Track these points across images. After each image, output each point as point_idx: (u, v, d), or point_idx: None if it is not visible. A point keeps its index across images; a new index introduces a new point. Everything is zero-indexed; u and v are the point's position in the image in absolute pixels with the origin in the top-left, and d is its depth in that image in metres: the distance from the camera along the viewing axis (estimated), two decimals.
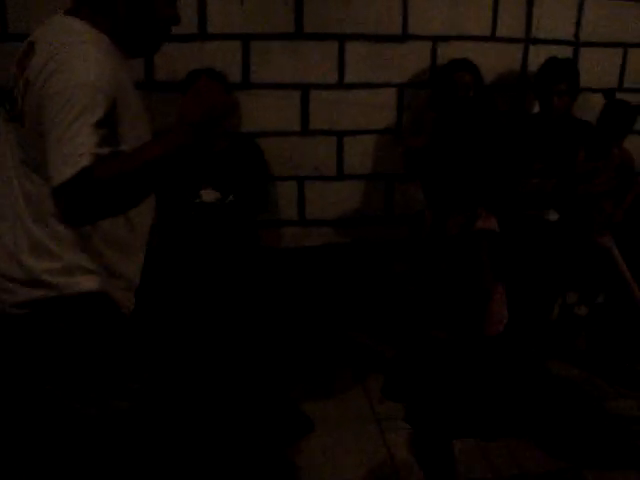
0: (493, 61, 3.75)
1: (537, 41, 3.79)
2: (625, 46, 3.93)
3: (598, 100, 3.61)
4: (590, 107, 3.73)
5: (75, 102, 1.58)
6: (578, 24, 3.82)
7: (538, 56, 3.76)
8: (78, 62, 1.63)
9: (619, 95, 3.66)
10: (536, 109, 3.75)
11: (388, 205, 3.89)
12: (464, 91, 3.45)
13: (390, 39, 3.66)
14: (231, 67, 3.53)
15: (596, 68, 3.87)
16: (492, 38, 3.74)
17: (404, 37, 3.67)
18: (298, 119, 3.71)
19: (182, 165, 1.68)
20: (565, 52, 3.80)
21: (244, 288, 3.35)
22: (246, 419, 3.17)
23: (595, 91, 3.76)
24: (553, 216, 3.64)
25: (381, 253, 3.82)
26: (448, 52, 3.68)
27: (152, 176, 1.65)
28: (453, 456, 2.48)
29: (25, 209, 1.75)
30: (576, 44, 3.85)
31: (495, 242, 2.34)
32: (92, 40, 1.71)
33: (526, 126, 3.65)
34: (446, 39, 3.70)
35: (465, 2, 3.65)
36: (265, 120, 3.66)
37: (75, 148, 1.55)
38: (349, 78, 3.69)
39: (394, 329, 3.50)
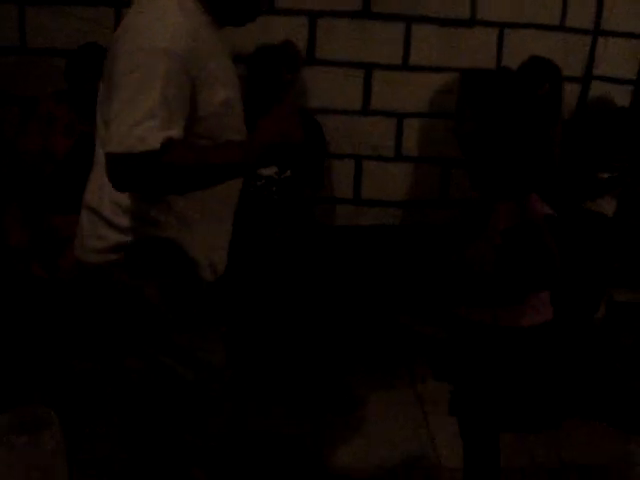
0: (560, 51, 3.71)
1: (606, 33, 3.73)
2: None
3: None
4: None
5: (144, 69, 1.57)
6: None
7: (606, 48, 3.72)
8: (154, 23, 1.63)
9: None
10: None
11: (444, 189, 3.89)
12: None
13: (457, 23, 3.64)
14: (297, 43, 3.55)
15: None
16: (560, 27, 3.69)
17: (472, 22, 3.65)
18: (360, 98, 3.72)
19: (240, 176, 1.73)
20: (633, 45, 3.74)
21: (298, 262, 3.39)
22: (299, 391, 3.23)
23: None
24: (607, 207, 3.60)
25: (434, 236, 3.82)
26: (515, 39, 3.65)
27: (209, 178, 1.68)
28: (497, 445, 2.47)
29: None
30: None
31: (556, 228, 2.32)
32: (177, 5, 1.67)
33: (611, 120, 3.60)
34: (514, 26, 3.66)
35: None
36: (327, 97, 3.69)
37: (142, 125, 1.55)
38: (414, 60, 3.69)
39: (442, 312, 3.51)
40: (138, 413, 1.69)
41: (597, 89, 3.79)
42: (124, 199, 1.73)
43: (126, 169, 1.56)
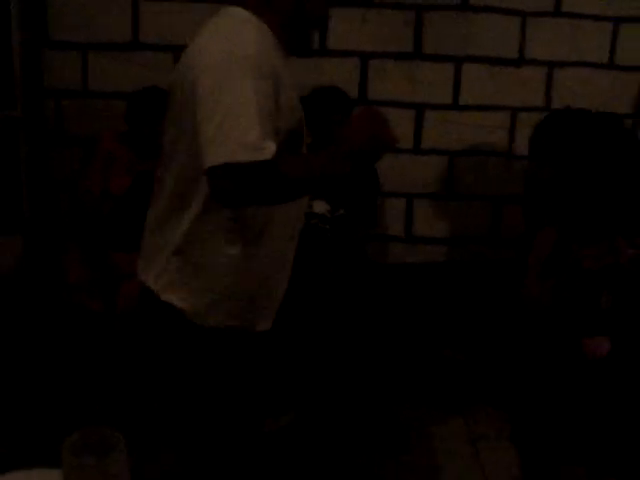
0: (610, 89, 3.73)
1: None
2: None
3: None
4: None
5: (236, 77, 1.56)
6: None
7: None
8: (238, 37, 1.63)
9: None
10: None
11: (495, 226, 3.90)
12: None
13: (506, 62, 3.69)
14: (349, 84, 3.63)
15: None
16: (610, 65, 3.71)
17: (520, 61, 3.70)
18: (411, 137, 3.78)
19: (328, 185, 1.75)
20: None
21: (352, 300, 3.43)
22: (348, 428, 3.25)
23: None
24: None
25: (486, 273, 3.83)
26: (564, 77, 3.68)
27: (307, 189, 1.73)
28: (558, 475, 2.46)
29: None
30: None
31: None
32: (253, 23, 1.69)
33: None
34: (562, 65, 3.70)
35: (584, 27, 3.65)
36: None
37: (249, 135, 1.53)
38: (464, 99, 3.74)
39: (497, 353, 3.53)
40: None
41: None
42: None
43: (241, 179, 1.55)
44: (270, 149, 1.53)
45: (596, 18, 3.65)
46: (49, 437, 1.69)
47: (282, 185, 1.61)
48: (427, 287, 3.87)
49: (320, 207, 3.45)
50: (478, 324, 3.80)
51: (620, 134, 2.39)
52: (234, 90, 1.55)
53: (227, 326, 1.81)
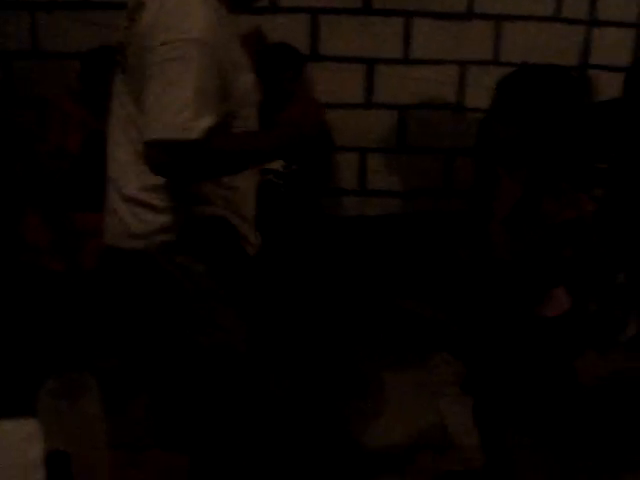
0: (556, 42, 3.81)
1: (600, 23, 3.82)
2: None
3: None
4: None
5: (180, 57, 1.64)
6: None
7: (601, 39, 3.82)
8: (184, 16, 1.69)
9: None
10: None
11: (447, 178, 4.00)
12: None
13: (455, 17, 3.75)
14: (300, 40, 3.67)
15: None
16: (555, 19, 3.79)
17: (469, 15, 3.76)
18: (363, 92, 3.84)
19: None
20: (626, 35, 3.84)
21: (308, 254, 3.50)
22: (309, 375, 3.34)
23: None
24: None
25: (438, 224, 3.92)
26: (512, 31, 3.76)
27: (242, 165, 1.81)
28: (507, 424, 2.56)
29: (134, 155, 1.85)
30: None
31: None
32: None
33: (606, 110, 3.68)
34: (511, 19, 3.77)
35: None
36: (331, 92, 3.79)
37: (183, 113, 1.61)
38: (414, 54, 3.80)
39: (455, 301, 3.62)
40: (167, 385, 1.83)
41: (593, 78, 3.88)
42: (166, 182, 1.82)
43: (171, 156, 1.64)
44: (199, 128, 1.63)
45: None
46: (19, 391, 1.74)
47: (215, 162, 1.73)
48: (381, 239, 3.96)
49: (274, 163, 3.50)
50: (432, 275, 3.90)
51: (573, 86, 2.45)
52: (176, 69, 1.64)
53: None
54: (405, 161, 3.96)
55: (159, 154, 1.66)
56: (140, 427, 1.66)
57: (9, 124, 3.62)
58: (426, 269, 3.89)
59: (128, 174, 1.88)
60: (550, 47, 3.74)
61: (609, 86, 3.73)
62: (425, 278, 3.89)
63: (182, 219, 1.85)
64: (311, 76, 3.75)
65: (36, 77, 3.60)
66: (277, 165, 3.49)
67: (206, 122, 1.64)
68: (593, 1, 3.79)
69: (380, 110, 3.89)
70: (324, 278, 3.62)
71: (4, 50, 3.57)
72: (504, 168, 2.35)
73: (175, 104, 1.63)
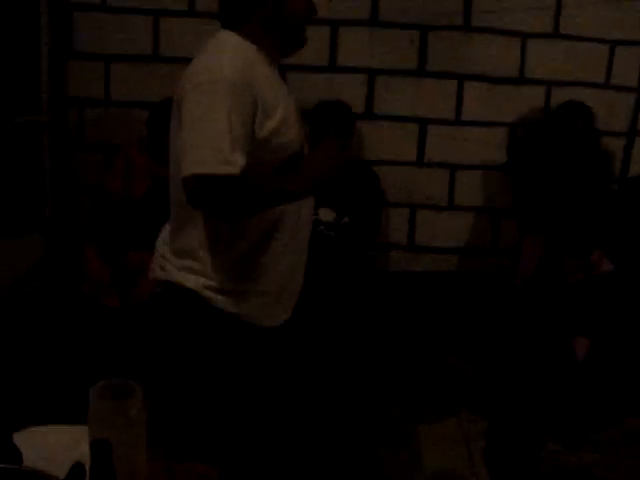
0: (605, 109, 3.90)
1: None
2: None
3: None
4: None
5: (208, 99, 1.77)
6: None
7: None
8: (212, 58, 1.87)
9: None
10: None
11: (494, 237, 4.07)
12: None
13: (507, 81, 3.88)
14: (356, 98, 3.83)
15: None
16: (605, 85, 3.89)
17: (520, 80, 3.88)
18: (414, 150, 3.97)
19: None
20: None
21: (356, 305, 3.59)
22: (350, 428, 3.41)
23: None
24: None
25: (484, 282, 3.98)
26: (561, 96, 3.86)
27: (269, 204, 1.91)
28: (540, 463, 2.59)
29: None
30: None
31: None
32: (233, 44, 1.92)
33: None
34: (560, 84, 3.88)
35: (581, 49, 3.83)
36: (384, 149, 3.94)
37: (221, 149, 1.73)
38: (465, 115, 3.93)
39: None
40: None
41: None
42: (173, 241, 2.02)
43: (208, 189, 1.76)
44: (238, 163, 1.75)
45: (593, 40, 3.83)
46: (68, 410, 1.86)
47: (249, 198, 1.84)
48: (428, 294, 4.03)
49: (326, 215, 3.62)
50: (477, 331, 3.95)
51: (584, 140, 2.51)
52: (209, 109, 1.77)
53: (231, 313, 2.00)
54: (454, 219, 4.05)
55: (199, 188, 1.77)
56: (174, 441, 1.77)
57: (78, 166, 3.83)
58: (471, 327, 3.94)
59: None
60: (599, 113, 3.82)
61: None
62: (470, 337, 3.95)
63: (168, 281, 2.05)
64: (366, 133, 3.90)
65: (105, 124, 3.82)
66: (329, 217, 3.61)
67: (242, 157, 1.77)
68: None
69: (431, 168, 4.00)
70: (371, 331, 3.70)
71: (78, 97, 3.79)
72: (526, 229, 2.40)
73: (213, 139, 1.74)
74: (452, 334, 3.99)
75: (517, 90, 3.90)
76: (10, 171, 3.60)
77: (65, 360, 3.22)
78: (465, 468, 3.22)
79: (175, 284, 2.02)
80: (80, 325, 3.37)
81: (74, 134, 3.84)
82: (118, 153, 3.57)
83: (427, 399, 3.70)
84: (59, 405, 2.64)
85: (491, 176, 4.00)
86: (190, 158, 1.76)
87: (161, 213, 3.42)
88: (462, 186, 4.03)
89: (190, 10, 3.75)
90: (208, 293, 1.98)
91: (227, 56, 1.87)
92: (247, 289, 2.02)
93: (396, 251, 4.10)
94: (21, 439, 1.45)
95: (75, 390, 2.73)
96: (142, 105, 3.67)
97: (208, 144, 1.75)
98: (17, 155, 3.63)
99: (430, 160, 4.00)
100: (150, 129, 3.52)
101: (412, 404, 3.65)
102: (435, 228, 4.07)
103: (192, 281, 1.99)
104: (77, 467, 1.19)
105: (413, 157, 3.99)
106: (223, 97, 1.77)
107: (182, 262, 2.01)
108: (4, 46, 3.52)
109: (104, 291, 3.41)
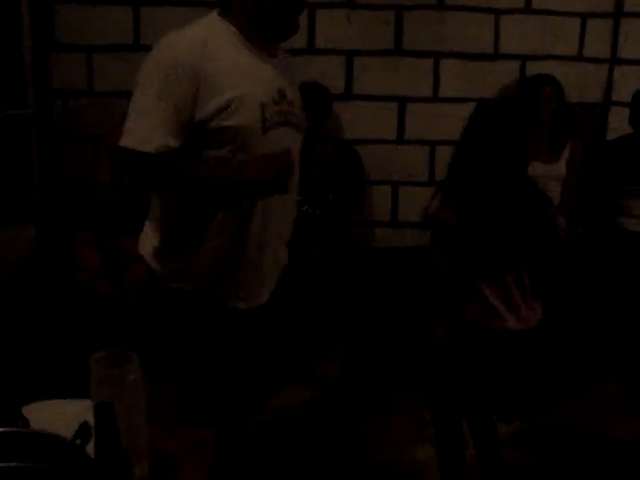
0: (579, 80, 4.00)
1: (622, 61, 4.01)
2: None
3: None
4: None
5: (146, 77, 1.90)
6: None
7: (623, 77, 4.00)
8: (170, 37, 1.96)
9: None
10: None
11: None
12: (547, 104, 3.73)
13: (482, 57, 3.97)
14: (335, 79, 3.92)
15: None
16: (578, 58, 3.98)
17: (495, 55, 3.97)
18: (394, 129, 4.05)
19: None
20: None
21: (341, 281, 3.68)
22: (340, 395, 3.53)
23: None
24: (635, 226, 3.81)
25: None
26: (536, 69, 3.96)
27: (195, 189, 1.99)
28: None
29: None
30: None
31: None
32: (202, 24, 2.01)
33: (619, 148, 3.84)
34: (535, 58, 3.97)
35: (553, 23, 3.92)
36: (364, 129, 4.03)
37: (143, 127, 1.87)
38: (443, 92, 4.02)
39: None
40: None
41: (616, 114, 4.04)
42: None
43: (127, 162, 1.94)
44: (155, 144, 1.86)
45: (564, 14, 3.92)
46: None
47: (169, 178, 1.95)
48: (411, 269, 4.12)
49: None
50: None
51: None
52: (145, 85, 1.90)
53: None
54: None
55: (121, 159, 1.96)
56: (173, 409, 1.86)
57: (66, 156, 3.90)
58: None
59: None
60: (574, 85, 3.92)
61: None
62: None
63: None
64: (346, 113, 3.99)
65: (90, 114, 3.88)
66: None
67: (164, 138, 1.88)
68: (615, 40, 3.96)
69: (411, 145, 4.09)
70: (356, 306, 3.79)
71: (61, 89, 3.86)
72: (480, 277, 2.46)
73: (138, 120, 1.89)
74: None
75: (492, 65, 4.00)
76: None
77: (60, 345, 3.29)
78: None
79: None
80: (75, 311, 3.44)
81: (60, 125, 3.90)
82: (104, 141, 3.63)
83: (412, 370, 3.81)
84: (59, 385, 2.72)
85: None
86: (123, 132, 1.93)
87: (148, 199, 3.51)
88: (442, 162, 4.11)
89: None
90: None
91: (183, 36, 1.96)
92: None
93: (380, 228, 4.19)
94: (28, 412, 1.54)
95: (72, 372, 2.83)
96: (125, 94, 3.71)
97: (135, 119, 1.91)
98: (5, 148, 3.69)
99: (410, 137, 4.08)
100: None
101: (398, 375, 3.75)
102: (417, 204, 4.15)
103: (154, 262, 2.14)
104: (84, 426, 1.28)
105: (393, 135, 4.07)
106: (158, 77, 1.89)
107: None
108: None
109: (97, 278, 3.49)
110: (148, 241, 2.14)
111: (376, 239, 4.19)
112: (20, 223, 3.68)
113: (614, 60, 4.01)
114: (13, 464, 1.23)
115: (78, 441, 1.26)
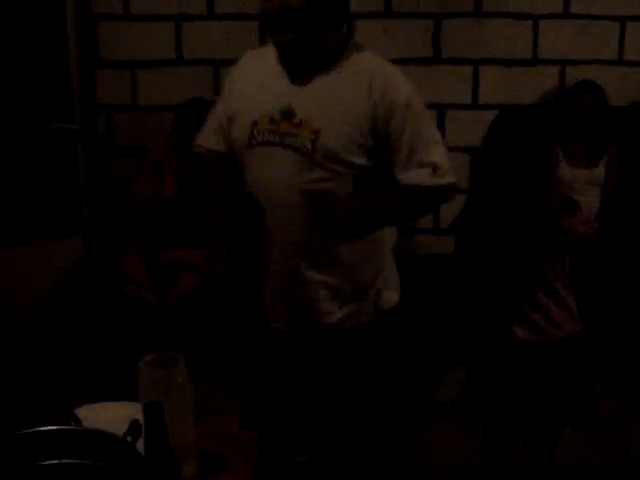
0: (619, 84, 3.97)
1: None
2: None
3: None
4: None
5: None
6: None
7: None
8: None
9: None
10: None
11: None
12: (587, 110, 3.71)
13: (521, 63, 3.97)
14: None
15: None
16: (618, 62, 3.97)
17: (534, 61, 3.97)
18: None
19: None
20: None
21: None
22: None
23: None
24: None
25: None
26: (576, 74, 3.94)
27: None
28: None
29: None
30: None
31: None
32: (257, 50, 2.23)
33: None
34: (574, 63, 3.97)
35: (593, 27, 3.91)
36: None
37: (204, 128, 2.23)
38: (482, 99, 4.03)
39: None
40: None
41: None
42: None
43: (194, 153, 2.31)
44: (199, 139, 2.24)
45: (603, 18, 3.91)
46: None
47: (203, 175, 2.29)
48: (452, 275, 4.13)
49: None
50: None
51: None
52: None
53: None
54: None
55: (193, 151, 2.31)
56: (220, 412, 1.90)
57: (110, 169, 3.99)
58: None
59: None
60: (614, 89, 3.90)
61: None
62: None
63: None
64: None
65: (134, 128, 3.97)
66: None
67: (208, 138, 2.21)
68: None
69: (452, 152, 4.08)
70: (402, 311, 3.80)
71: (106, 104, 3.95)
72: None
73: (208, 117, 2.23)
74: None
75: (531, 71, 3.99)
76: (47, 176, 3.76)
77: (110, 352, 3.37)
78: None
79: None
80: (121, 321, 3.52)
81: (104, 139, 3.99)
82: (147, 154, 3.71)
83: (454, 376, 3.81)
84: (110, 390, 2.79)
85: None
86: None
87: (192, 211, 3.59)
88: None
89: (210, 13, 3.88)
90: None
91: (247, 53, 2.20)
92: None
93: (423, 235, 4.20)
94: (80, 413, 1.59)
95: (122, 377, 2.90)
96: (168, 108, 3.81)
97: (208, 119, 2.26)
98: (53, 161, 3.79)
99: (450, 144, 4.08)
100: (177, 130, 3.66)
101: (439, 381, 3.76)
102: (458, 211, 4.15)
103: None
104: (134, 424, 1.32)
105: None
106: (223, 86, 2.22)
107: None
108: (36, 58, 3.68)
109: (142, 288, 3.55)
110: None
111: (420, 246, 4.19)
112: (68, 235, 3.76)
113: None
114: (67, 461, 1.27)
115: (129, 438, 1.30)
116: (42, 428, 1.32)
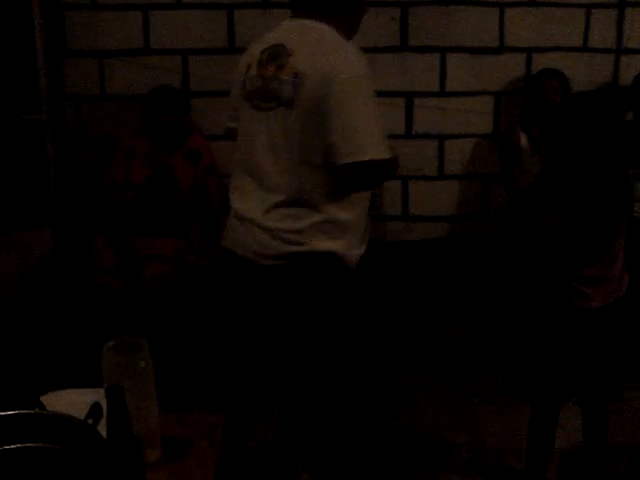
0: (585, 71, 4.02)
1: (628, 51, 4.03)
2: None
3: None
4: None
5: (360, 91, 2.29)
6: None
7: (629, 66, 4.02)
8: (348, 56, 2.32)
9: None
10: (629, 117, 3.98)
11: (485, 204, 4.21)
12: (553, 96, 3.76)
13: (487, 51, 4.01)
14: None
15: None
16: (584, 49, 4.01)
17: (501, 49, 4.01)
18: (403, 123, 4.10)
19: None
20: None
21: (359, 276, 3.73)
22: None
23: None
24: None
25: (476, 247, 4.12)
26: (542, 62, 3.99)
27: None
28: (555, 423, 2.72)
29: None
30: None
31: None
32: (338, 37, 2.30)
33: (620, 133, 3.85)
34: (540, 50, 4.01)
35: (558, 15, 3.96)
36: None
37: (382, 139, 2.27)
38: (450, 86, 4.06)
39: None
40: None
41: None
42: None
43: (373, 171, 2.26)
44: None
45: (568, 5, 3.95)
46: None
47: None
48: (423, 262, 4.17)
49: None
50: (471, 295, 4.10)
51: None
52: (362, 101, 2.31)
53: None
54: (444, 188, 4.18)
55: (364, 172, 2.12)
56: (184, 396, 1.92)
57: (79, 159, 3.98)
58: (463, 289, 4.09)
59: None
60: (579, 76, 3.94)
61: None
62: (462, 298, 4.10)
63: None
64: None
65: (102, 118, 3.96)
66: None
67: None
68: (619, 30, 3.99)
69: (420, 140, 4.13)
70: (370, 299, 3.84)
71: (74, 94, 3.94)
72: None
73: (376, 130, 2.18)
74: (447, 298, 4.13)
75: (498, 59, 4.03)
76: (15, 168, 3.74)
77: (76, 339, 3.36)
78: (468, 421, 3.40)
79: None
80: (89, 309, 3.51)
81: (73, 129, 3.98)
82: (118, 142, 3.70)
83: (426, 362, 3.86)
84: (75, 377, 2.79)
85: (478, 144, 4.13)
86: (362, 145, 2.26)
87: (162, 199, 3.59)
88: (451, 155, 4.16)
89: (178, 2, 3.88)
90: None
91: (356, 54, 2.41)
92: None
93: (392, 222, 4.23)
94: (44, 400, 1.60)
95: (87, 364, 2.89)
96: (137, 97, 3.80)
97: (376, 133, 2.32)
98: (21, 152, 3.78)
99: (418, 132, 4.12)
100: (145, 118, 3.65)
101: (412, 367, 3.80)
102: (427, 198, 4.20)
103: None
104: (95, 406, 1.34)
105: (401, 130, 4.11)
106: (369, 91, 2.38)
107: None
108: (2, 49, 3.66)
109: (112, 278, 3.55)
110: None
111: (389, 233, 4.23)
112: (37, 226, 3.75)
113: (619, 50, 4.02)
114: (29, 444, 1.28)
115: (90, 420, 1.32)
116: (3, 413, 1.33)
